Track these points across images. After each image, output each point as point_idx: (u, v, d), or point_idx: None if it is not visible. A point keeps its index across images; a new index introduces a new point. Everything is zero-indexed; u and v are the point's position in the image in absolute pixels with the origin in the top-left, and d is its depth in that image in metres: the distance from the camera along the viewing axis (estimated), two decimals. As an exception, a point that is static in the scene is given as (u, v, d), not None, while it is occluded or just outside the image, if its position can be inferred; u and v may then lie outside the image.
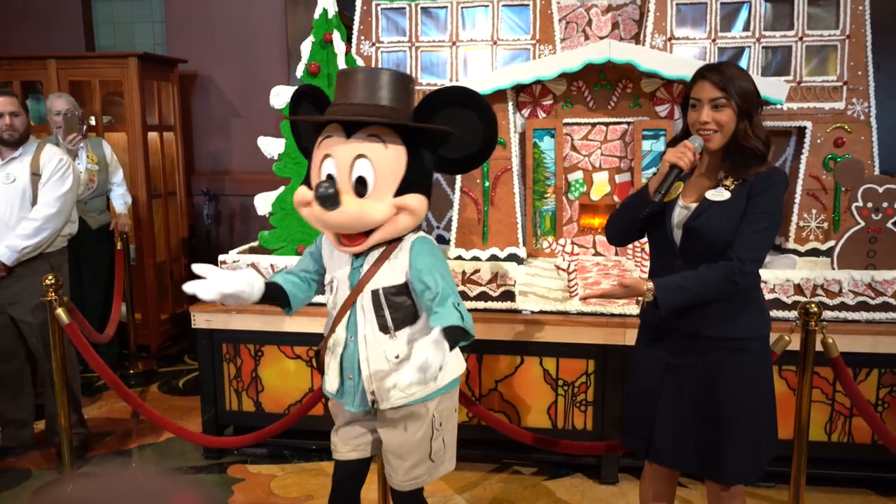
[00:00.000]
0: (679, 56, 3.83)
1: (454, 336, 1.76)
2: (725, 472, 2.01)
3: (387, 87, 1.83)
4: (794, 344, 2.48)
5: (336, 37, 3.33)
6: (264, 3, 5.16)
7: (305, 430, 3.17)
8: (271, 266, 3.25)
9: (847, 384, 2.56)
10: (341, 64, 3.35)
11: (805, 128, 3.73)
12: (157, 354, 4.82)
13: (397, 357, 1.91)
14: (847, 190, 3.29)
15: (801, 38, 3.80)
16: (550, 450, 2.89)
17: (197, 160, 5.41)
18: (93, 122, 4.71)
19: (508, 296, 3.11)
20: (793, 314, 2.82)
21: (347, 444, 2.10)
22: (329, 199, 1.76)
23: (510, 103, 3.73)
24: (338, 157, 1.82)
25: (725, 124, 1.93)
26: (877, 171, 3.65)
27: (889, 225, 3.14)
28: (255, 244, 3.53)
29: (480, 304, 3.13)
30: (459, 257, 3.74)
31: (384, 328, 1.91)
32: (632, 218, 2.07)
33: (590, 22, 4.18)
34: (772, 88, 3.52)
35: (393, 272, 1.90)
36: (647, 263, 3.39)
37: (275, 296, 1.99)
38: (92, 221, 4.26)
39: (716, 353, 1.97)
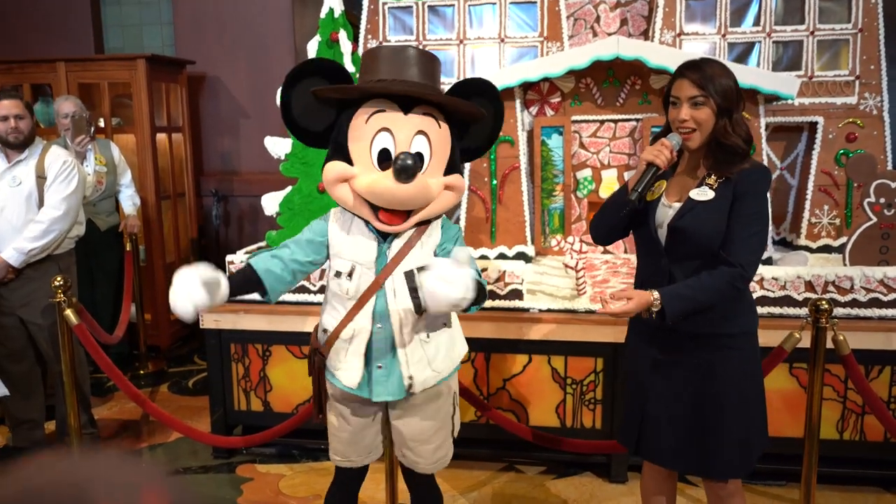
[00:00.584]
0: (689, 52, 3.80)
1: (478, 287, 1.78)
2: (714, 467, 2.01)
3: (432, 67, 1.88)
4: (805, 341, 2.45)
5: (342, 36, 3.33)
6: (272, 3, 5.17)
7: (314, 430, 3.15)
8: (279, 266, 3.25)
9: (859, 381, 2.53)
10: (348, 63, 3.34)
11: (817, 123, 3.68)
12: (167, 355, 4.84)
13: (428, 337, 1.94)
14: (859, 185, 3.25)
15: (812, 33, 3.76)
16: (559, 449, 2.88)
17: (206, 161, 5.43)
18: (101, 123, 4.74)
19: (517, 294, 3.09)
20: (804, 311, 2.79)
21: (360, 453, 2.07)
22: (409, 171, 1.74)
23: (518, 101, 3.71)
24: (397, 131, 1.80)
25: (704, 122, 1.91)
26: (889, 167, 3.60)
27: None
28: (262, 244, 3.54)
29: (488, 303, 3.11)
30: (467, 256, 3.73)
31: (418, 308, 1.84)
32: (614, 216, 2.06)
33: (598, 18, 4.15)
34: (783, 84, 3.48)
35: (424, 252, 1.91)
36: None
37: (249, 285, 1.95)
38: (101, 223, 4.28)
39: (705, 350, 1.96)
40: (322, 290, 3.13)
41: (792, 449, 2.71)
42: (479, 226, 3.76)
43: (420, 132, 1.82)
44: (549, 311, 3.07)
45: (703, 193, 1.93)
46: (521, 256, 3.70)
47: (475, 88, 1.96)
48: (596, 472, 3.15)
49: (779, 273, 2.97)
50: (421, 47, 4.06)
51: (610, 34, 4.08)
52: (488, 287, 3.10)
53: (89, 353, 2.98)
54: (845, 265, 3.13)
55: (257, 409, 3.36)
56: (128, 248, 4.37)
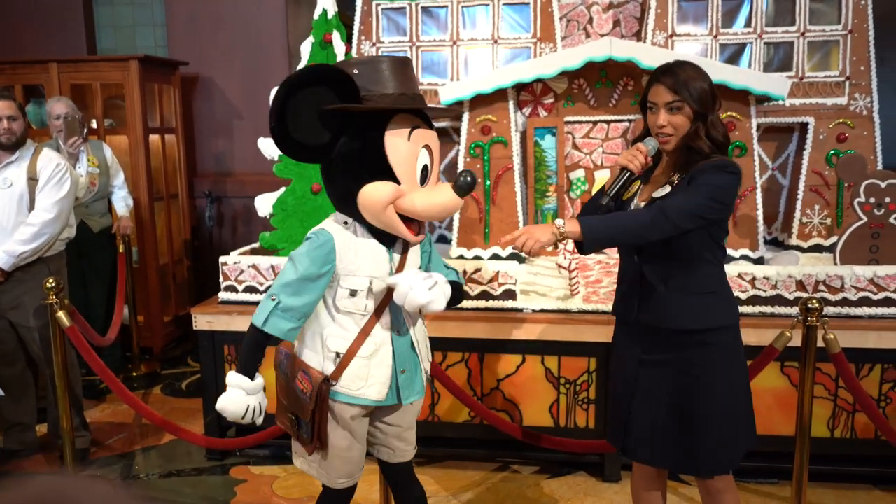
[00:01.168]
0: (681, 53, 3.82)
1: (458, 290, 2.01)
2: (700, 464, 2.03)
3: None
4: (796, 340, 2.47)
5: (336, 37, 3.33)
6: (266, 4, 5.16)
7: (308, 431, 3.17)
8: (272, 267, 3.25)
9: (849, 380, 2.55)
10: (341, 64, 3.34)
11: (808, 123, 3.71)
12: (160, 357, 4.83)
13: (425, 332, 2.07)
14: (850, 185, 3.28)
15: (803, 34, 3.78)
16: (553, 448, 2.89)
17: (199, 162, 5.42)
18: (94, 125, 4.73)
19: (510, 295, 3.10)
20: (795, 310, 2.81)
21: (362, 465, 2.05)
22: (470, 188, 1.83)
23: (511, 102, 3.72)
24: (433, 147, 1.87)
25: (680, 127, 1.94)
26: (879, 166, 3.63)
27: (892, 220, 3.12)
28: (256, 245, 3.54)
29: (482, 304, 3.12)
30: (461, 257, 3.74)
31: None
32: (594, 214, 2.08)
33: (591, 20, 4.17)
34: (774, 84, 3.51)
35: (416, 251, 1.99)
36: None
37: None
38: (94, 224, 4.27)
39: (686, 347, 1.98)
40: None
41: (783, 447, 2.73)
42: (472, 226, 3.77)
43: (428, 146, 1.87)
44: (542, 311, 3.08)
45: (663, 190, 1.98)
46: (514, 257, 3.71)
47: None
48: (589, 472, 3.16)
49: (770, 272, 2.99)
50: (415, 48, 4.07)
51: (602, 35, 4.09)
52: (482, 288, 3.11)
53: (81, 356, 2.97)
54: (836, 264, 3.15)
55: (251, 411, 3.35)
56: (121, 250, 4.35)
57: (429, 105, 1.90)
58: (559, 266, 3.54)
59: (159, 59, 4.96)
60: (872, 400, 2.78)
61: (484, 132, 3.74)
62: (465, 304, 3.14)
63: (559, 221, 1.90)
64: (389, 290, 1.85)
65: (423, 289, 1.76)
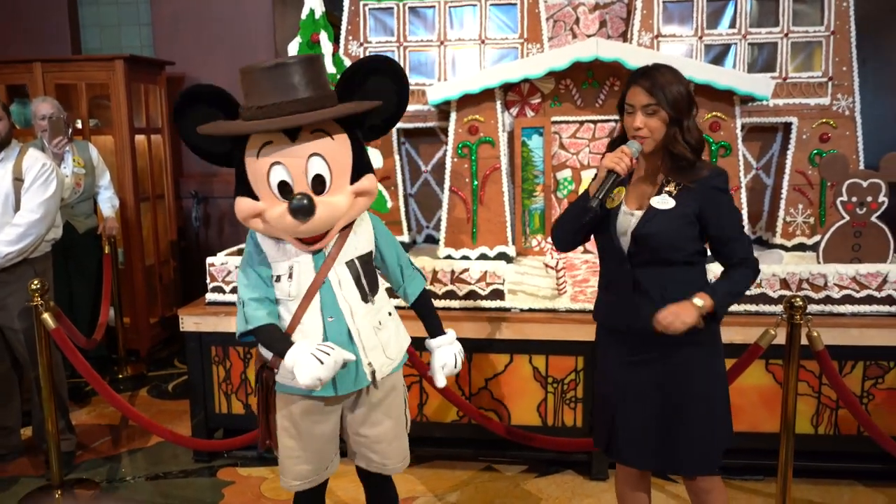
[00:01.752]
0: (666, 53, 3.85)
1: (428, 296, 2.11)
2: (685, 464, 2.05)
3: (308, 75, 1.78)
4: (781, 338, 2.50)
5: (323, 37, 3.32)
6: (252, 4, 5.15)
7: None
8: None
9: (832, 377, 2.58)
10: (329, 64, 3.34)
11: (791, 123, 3.75)
12: (146, 358, 4.80)
13: (379, 324, 1.96)
14: (832, 185, 3.31)
15: (786, 35, 3.82)
16: (541, 447, 2.90)
17: (185, 163, 5.39)
18: (79, 125, 4.69)
19: (498, 294, 3.11)
20: (779, 308, 2.84)
21: (320, 468, 2.02)
22: (305, 211, 1.74)
23: (498, 102, 3.73)
24: (290, 162, 1.77)
25: (656, 130, 1.95)
26: (861, 166, 3.67)
27: (873, 219, 3.16)
28: (243, 246, 3.52)
29: (470, 303, 3.13)
30: (449, 257, 3.74)
31: (364, 297, 1.93)
32: (576, 224, 2.08)
33: (577, 20, 4.19)
34: (758, 85, 3.54)
35: (360, 241, 1.95)
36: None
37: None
38: (79, 225, 4.23)
39: (670, 348, 1.99)
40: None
41: (768, 444, 2.76)
42: (460, 226, 3.78)
43: (313, 155, 1.78)
44: (530, 310, 3.09)
45: (664, 202, 1.97)
46: (502, 257, 3.72)
47: (366, 69, 1.88)
48: (577, 470, 3.18)
49: (755, 271, 3.01)
50: (402, 49, 4.07)
51: (589, 36, 4.12)
52: (470, 288, 3.12)
53: (67, 358, 2.95)
54: (819, 263, 3.18)
55: (238, 412, 3.34)
56: (106, 251, 4.32)
57: (303, 113, 1.75)
58: (546, 266, 3.55)
59: (145, 59, 4.93)
60: (855, 396, 2.81)
61: (471, 132, 3.75)
62: (453, 303, 3.14)
63: (698, 301, 1.92)
64: (318, 274, 1.87)
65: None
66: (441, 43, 4.07)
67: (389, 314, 2.03)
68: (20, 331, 3.15)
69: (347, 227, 1.92)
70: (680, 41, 3.90)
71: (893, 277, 2.94)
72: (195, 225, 5.23)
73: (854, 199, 3.16)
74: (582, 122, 3.87)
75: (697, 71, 3.51)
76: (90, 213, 4.35)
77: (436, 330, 2.11)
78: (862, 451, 2.95)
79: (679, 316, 1.90)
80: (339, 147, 1.82)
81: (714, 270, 2.94)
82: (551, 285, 3.30)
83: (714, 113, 3.59)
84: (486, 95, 3.71)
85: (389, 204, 3.59)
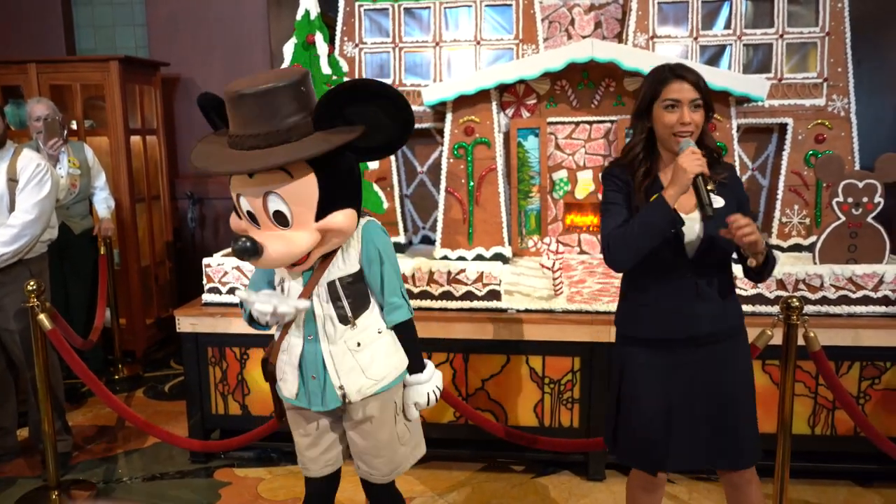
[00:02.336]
0: (662, 54, 3.86)
1: (410, 326, 1.99)
2: (741, 455, 2.03)
3: (281, 102, 1.67)
4: (777, 338, 2.50)
5: (319, 38, 3.32)
6: (247, 4, 5.14)
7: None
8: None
9: (829, 377, 2.59)
10: (324, 65, 3.34)
11: (786, 124, 3.76)
12: (142, 359, 4.79)
13: (359, 345, 1.91)
14: (828, 185, 3.33)
15: (781, 36, 3.84)
16: (537, 448, 2.90)
17: (180, 163, 5.38)
18: (73, 126, 4.68)
19: (494, 295, 3.11)
20: (775, 309, 2.85)
21: (317, 462, 2.08)
22: (247, 253, 1.70)
23: (494, 103, 3.74)
24: (248, 197, 1.74)
25: (700, 125, 1.93)
26: (857, 167, 3.69)
27: (869, 219, 3.17)
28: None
29: (466, 304, 3.13)
30: (445, 257, 3.75)
31: (344, 319, 1.89)
32: (656, 240, 1.91)
33: (572, 21, 4.19)
34: (753, 86, 3.56)
35: (348, 261, 1.89)
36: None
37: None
38: (75, 226, 4.22)
39: (714, 346, 1.99)
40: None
41: (765, 444, 2.74)
42: (456, 227, 3.78)
43: (269, 192, 1.70)
44: (526, 311, 3.09)
45: (716, 201, 1.91)
46: (498, 257, 3.73)
47: (349, 97, 1.71)
48: (574, 471, 3.18)
49: (751, 272, 3.02)
50: (397, 49, 4.07)
51: (584, 37, 4.12)
52: (466, 289, 3.12)
53: (63, 358, 2.94)
54: (815, 263, 3.19)
55: (235, 413, 3.34)
56: (102, 252, 4.32)
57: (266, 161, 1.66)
58: (543, 266, 3.55)
59: (140, 60, 4.92)
60: (852, 397, 2.82)
61: (467, 133, 3.75)
62: (450, 304, 3.14)
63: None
64: (305, 290, 1.88)
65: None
66: (436, 44, 4.07)
67: (379, 332, 1.95)
68: (16, 332, 3.14)
69: (335, 248, 1.88)
70: (675, 42, 3.91)
71: (889, 278, 2.95)
72: (191, 226, 5.22)
73: (850, 199, 3.17)
74: (577, 123, 3.88)
75: (693, 72, 3.52)
76: (86, 215, 4.34)
77: (413, 366, 2.02)
78: (858, 452, 2.96)
79: (753, 229, 1.84)
80: (299, 185, 1.70)
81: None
82: (548, 286, 3.30)
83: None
84: (482, 96, 3.71)
85: (385, 205, 3.59)
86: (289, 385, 1.97)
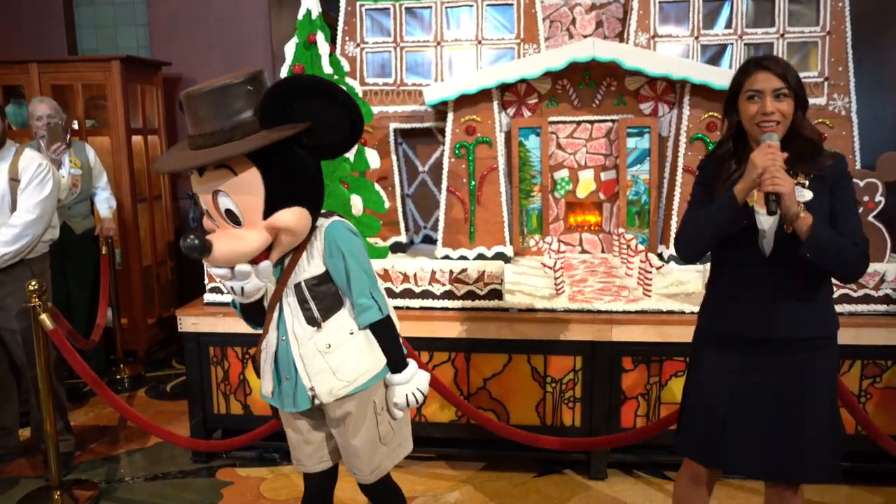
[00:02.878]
0: (663, 54, 3.86)
1: (384, 326, 1.94)
2: (812, 470, 1.95)
3: (227, 102, 1.70)
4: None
5: (320, 38, 3.33)
6: (248, 4, 5.14)
7: (294, 432, 3.16)
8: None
9: (831, 376, 2.58)
10: (325, 65, 3.34)
11: (787, 123, 3.76)
12: (144, 359, 4.79)
13: (329, 346, 1.90)
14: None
15: (782, 35, 3.84)
16: (539, 447, 2.90)
17: (182, 163, 5.38)
18: (75, 125, 4.68)
19: (496, 294, 3.11)
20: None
21: (311, 458, 2.09)
22: (194, 250, 1.70)
23: (495, 102, 3.74)
24: (201, 195, 1.77)
25: (787, 115, 1.87)
26: (858, 166, 3.69)
27: (870, 218, 3.17)
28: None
29: (468, 303, 3.14)
30: (447, 257, 3.75)
31: (312, 321, 1.89)
32: (722, 232, 1.92)
33: (574, 21, 4.20)
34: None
35: (313, 262, 1.88)
36: (633, 261, 3.42)
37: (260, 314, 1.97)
38: (76, 226, 4.23)
39: (797, 354, 1.93)
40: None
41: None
42: (458, 226, 3.79)
43: (217, 191, 1.73)
44: (528, 310, 3.10)
45: (801, 194, 1.86)
46: (499, 257, 3.73)
47: (289, 94, 1.71)
48: (576, 470, 3.19)
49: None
50: (398, 49, 4.07)
51: (585, 36, 4.13)
52: (468, 288, 3.12)
53: (65, 358, 2.94)
54: (816, 262, 3.19)
55: (237, 413, 3.34)
56: (104, 252, 4.32)
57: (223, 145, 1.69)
58: (544, 265, 3.56)
59: (141, 60, 4.92)
60: (853, 395, 2.82)
61: (468, 132, 3.75)
62: (451, 303, 3.15)
63: (802, 198, 1.82)
64: (276, 291, 1.89)
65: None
66: (438, 43, 4.07)
67: (351, 333, 1.93)
68: (18, 331, 3.15)
69: (300, 249, 1.87)
70: (676, 41, 3.91)
71: (891, 277, 2.95)
72: (192, 225, 5.21)
73: (851, 198, 3.17)
74: (579, 122, 3.88)
75: (694, 71, 3.53)
76: (87, 214, 4.34)
77: (391, 366, 1.99)
78: (859, 451, 2.96)
79: (787, 180, 1.77)
80: (242, 181, 1.71)
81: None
82: (549, 285, 3.30)
83: (711, 113, 3.60)
84: (483, 96, 3.72)
85: (387, 204, 3.60)
86: (266, 384, 1.99)
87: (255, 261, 1.79)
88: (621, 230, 3.79)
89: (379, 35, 4.12)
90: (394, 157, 4.07)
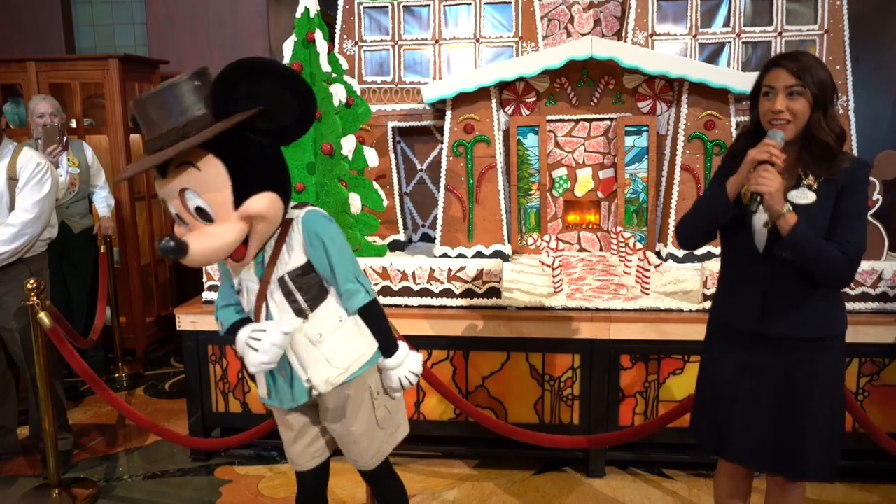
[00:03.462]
0: (661, 52, 3.86)
1: (372, 310, 1.94)
2: (806, 468, 1.95)
3: (175, 101, 1.69)
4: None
5: (318, 36, 3.32)
6: (246, 2, 5.14)
7: (293, 430, 3.16)
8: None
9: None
10: (324, 63, 3.34)
11: (785, 122, 3.76)
12: (142, 358, 4.79)
13: (320, 336, 1.90)
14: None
15: (780, 34, 3.84)
16: (538, 445, 2.91)
17: (180, 162, 5.38)
18: (73, 124, 4.68)
19: (494, 292, 3.12)
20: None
21: (304, 455, 2.10)
22: (171, 252, 1.69)
23: (494, 101, 3.74)
24: (168, 199, 1.75)
25: (800, 114, 1.84)
26: (856, 164, 3.69)
27: (868, 216, 3.18)
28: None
29: (466, 302, 3.14)
30: (445, 255, 3.75)
31: (300, 312, 1.89)
32: (709, 223, 1.98)
33: (572, 19, 4.20)
34: (752, 83, 3.55)
35: (293, 254, 1.87)
36: (631, 259, 3.42)
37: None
38: (75, 225, 4.22)
39: (798, 353, 1.92)
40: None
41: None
42: (456, 225, 3.79)
43: (183, 189, 1.71)
44: (526, 308, 3.10)
45: (804, 195, 1.85)
46: (498, 255, 3.74)
47: (233, 78, 1.69)
48: (574, 468, 3.19)
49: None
50: (397, 47, 4.07)
51: (584, 35, 4.13)
52: (466, 286, 3.13)
53: (63, 357, 2.94)
54: (814, 260, 3.20)
55: (236, 411, 3.35)
56: (102, 250, 4.32)
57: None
58: (542, 264, 3.56)
59: (139, 58, 4.91)
60: (851, 393, 2.83)
61: (467, 131, 3.76)
62: (450, 301, 3.15)
63: (791, 198, 1.81)
64: (260, 289, 1.88)
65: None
66: (436, 42, 4.07)
67: (340, 321, 1.93)
68: (16, 330, 3.15)
69: (281, 237, 1.87)
70: (674, 40, 3.92)
71: (888, 275, 2.96)
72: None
73: (848, 196, 3.17)
74: (577, 121, 3.88)
75: (691, 69, 3.53)
76: (86, 213, 4.34)
77: (382, 350, 1.99)
78: (857, 449, 2.97)
79: (773, 180, 1.78)
80: (207, 176, 1.70)
81: (712, 268, 2.96)
82: (547, 283, 3.31)
83: (709, 111, 3.60)
84: (482, 94, 3.72)
85: (385, 203, 3.60)
86: (261, 387, 1.99)
87: (233, 255, 1.80)
88: (619, 228, 3.79)
89: (377, 33, 4.12)
90: (392, 156, 4.07)
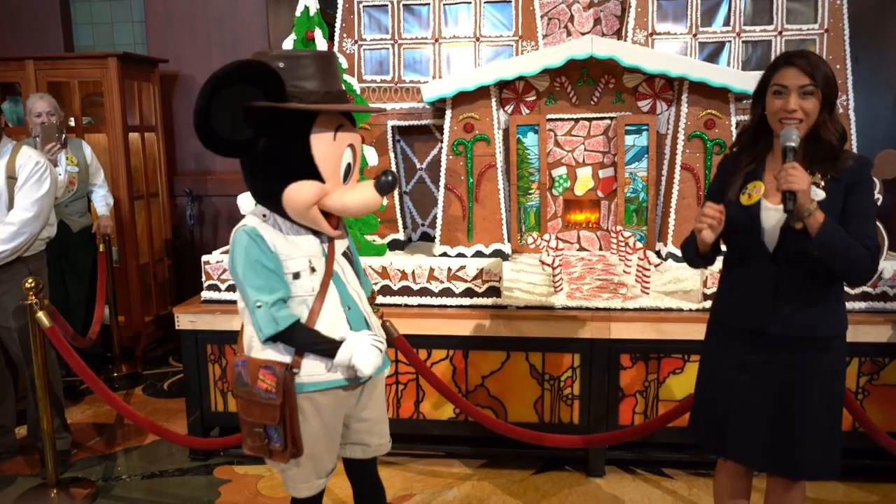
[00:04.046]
0: (661, 51, 3.86)
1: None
2: (805, 467, 1.95)
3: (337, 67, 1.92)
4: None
5: (318, 34, 3.32)
6: (246, 1, 5.13)
7: (292, 430, 3.15)
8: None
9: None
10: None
11: (785, 121, 3.76)
12: (141, 357, 4.78)
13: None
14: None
15: (780, 33, 3.84)
16: (537, 444, 2.91)
17: (179, 161, 5.37)
18: (72, 123, 4.67)
19: (494, 291, 3.11)
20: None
21: (334, 459, 1.99)
22: (391, 187, 1.85)
23: (493, 99, 3.73)
24: (356, 145, 1.87)
25: (811, 113, 1.85)
26: (856, 163, 3.68)
27: (869, 216, 3.17)
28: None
29: (466, 301, 3.14)
30: (445, 254, 3.75)
31: (361, 284, 2.03)
32: (702, 254, 2.03)
33: (572, 18, 4.19)
34: (752, 82, 3.53)
35: (345, 242, 2.01)
36: (631, 259, 3.42)
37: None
38: (73, 224, 4.22)
39: (798, 353, 1.92)
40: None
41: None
42: (456, 224, 3.78)
43: (351, 144, 1.86)
44: (526, 308, 3.10)
45: (814, 194, 1.84)
46: (498, 254, 3.73)
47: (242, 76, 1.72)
48: (574, 467, 3.19)
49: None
50: (396, 46, 4.07)
51: (584, 33, 4.13)
52: (466, 285, 3.12)
53: (62, 356, 2.94)
54: (814, 260, 3.19)
55: (234, 410, 3.32)
56: (101, 249, 4.31)
57: (368, 104, 1.92)
58: (542, 263, 3.56)
59: (138, 57, 4.90)
60: (850, 392, 2.83)
61: (467, 130, 3.75)
62: (449, 300, 3.14)
63: (816, 197, 1.81)
64: (329, 268, 1.88)
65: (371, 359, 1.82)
66: (436, 40, 4.07)
67: None
68: (15, 329, 3.14)
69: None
70: (674, 39, 3.91)
71: (888, 274, 2.96)
72: (189, 223, 5.21)
73: (848, 195, 3.17)
74: (577, 120, 3.88)
75: (692, 68, 3.53)
76: (84, 212, 4.33)
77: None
78: (856, 448, 2.97)
79: (803, 178, 1.77)
80: (359, 140, 1.94)
81: (712, 268, 2.95)
82: (547, 283, 3.30)
83: (709, 110, 3.60)
84: (482, 93, 3.71)
85: (385, 201, 3.59)
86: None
87: (332, 223, 1.86)
88: (619, 227, 3.79)
89: (377, 32, 4.11)
90: (392, 155, 4.06)
